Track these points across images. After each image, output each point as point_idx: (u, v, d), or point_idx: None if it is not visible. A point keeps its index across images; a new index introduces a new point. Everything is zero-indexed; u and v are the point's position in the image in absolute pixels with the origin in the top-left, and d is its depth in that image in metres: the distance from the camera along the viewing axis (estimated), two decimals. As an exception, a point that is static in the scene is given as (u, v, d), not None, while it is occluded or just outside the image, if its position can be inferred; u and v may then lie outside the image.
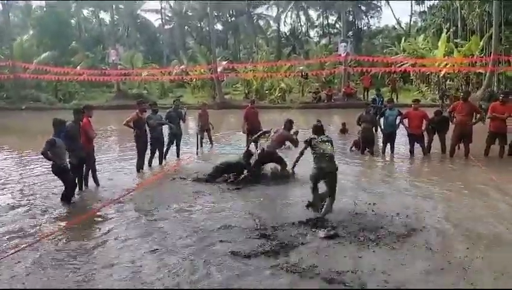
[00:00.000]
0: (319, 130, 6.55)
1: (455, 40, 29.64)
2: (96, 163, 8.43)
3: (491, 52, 25.40)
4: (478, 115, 10.99)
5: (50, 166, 7.11)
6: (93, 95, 33.19)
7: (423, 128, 10.74)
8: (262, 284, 4.12)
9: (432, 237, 5.31)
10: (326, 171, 6.11)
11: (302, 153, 6.68)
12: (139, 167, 9.58)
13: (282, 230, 5.53)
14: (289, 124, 9.16)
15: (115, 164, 10.64)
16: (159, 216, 6.36)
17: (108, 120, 20.60)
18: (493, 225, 5.71)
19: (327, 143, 6.29)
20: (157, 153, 10.18)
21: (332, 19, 50.19)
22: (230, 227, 5.72)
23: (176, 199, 7.23)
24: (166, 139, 10.63)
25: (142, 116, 9.50)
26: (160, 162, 10.33)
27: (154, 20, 51.51)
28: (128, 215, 6.44)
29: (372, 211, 6.27)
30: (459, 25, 32.18)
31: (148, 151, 9.91)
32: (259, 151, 8.63)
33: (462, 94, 11.78)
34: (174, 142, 10.96)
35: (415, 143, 10.81)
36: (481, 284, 4.11)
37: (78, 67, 32.71)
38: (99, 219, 6.35)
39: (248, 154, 8.81)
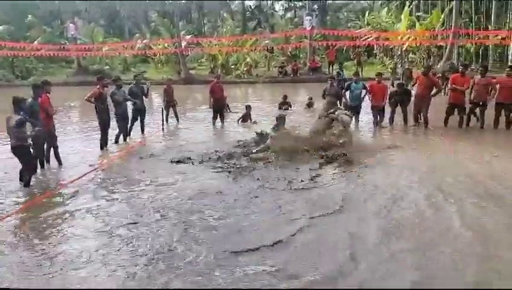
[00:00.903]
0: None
1: (417, 14, 30.10)
2: (57, 140, 8.18)
3: (451, 26, 25.97)
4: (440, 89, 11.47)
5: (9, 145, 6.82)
6: (52, 71, 31.95)
7: (385, 100, 11.09)
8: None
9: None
10: None
11: None
12: (103, 144, 9.37)
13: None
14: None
15: (77, 141, 10.37)
16: (122, 192, 6.28)
17: (69, 96, 19.97)
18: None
19: None
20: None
21: (297, -8, 49.80)
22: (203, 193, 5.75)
23: (141, 175, 7.16)
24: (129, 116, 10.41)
25: (103, 91, 9.24)
26: (125, 139, 10.14)
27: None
28: (91, 194, 6.32)
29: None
30: (420, -1, 32.64)
31: (114, 127, 9.70)
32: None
33: (423, 69, 12.09)
34: (138, 118, 10.75)
35: (378, 114, 11.20)
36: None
37: (36, 42, 31.25)
38: (62, 198, 6.20)
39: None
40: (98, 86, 9.20)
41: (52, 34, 35.45)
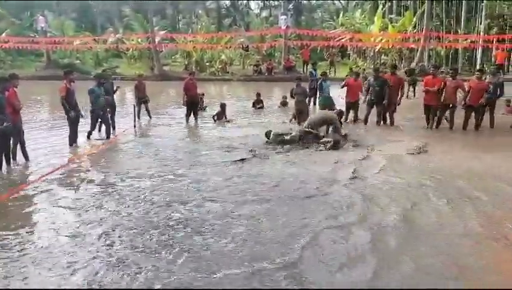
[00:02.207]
0: None
1: (390, 16, 30.66)
2: (24, 136, 7.91)
3: (423, 29, 26.56)
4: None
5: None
6: (20, 64, 30.95)
7: (360, 96, 11.64)
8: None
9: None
10: None
11: None
12: (72, 140, 9.12)
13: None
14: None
15: (45, 137, 10.07)
16: (91, 189, 6.14)
17: (38, 91, 19.42)
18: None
19: None
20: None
21: (273, -9, 49.90)
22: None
23: (109, 170, 7.01)
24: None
25: (71, 87, 8.96)
26: (108, 136, 9.92)
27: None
28: (58, 191, 6.13)
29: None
30: (394, 1, 33.24)
31: (84, 124, 9.49)
32: None
33: (390, 68, 12.46)
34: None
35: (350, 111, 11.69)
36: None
37: (4, 34, 30.30)
38: (28, 196, 6.00)
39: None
40: (65, 82, 8.92)
41: (21, 26, 34.42)
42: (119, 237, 4.55)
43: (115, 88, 10.89)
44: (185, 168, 7.21)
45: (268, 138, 9.10)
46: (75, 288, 3.70)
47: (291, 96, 11.74)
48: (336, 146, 8.52)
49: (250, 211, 5.21)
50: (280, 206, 5.34)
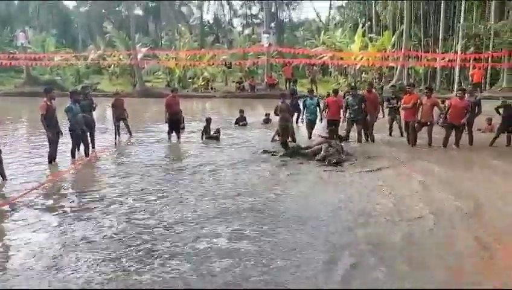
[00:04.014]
0: None
1: (370, 35, 31.31)
2: (1, 153, 7.69)
3: (402, 48, 27.13)
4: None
5: None
6: (0, 80, 30.53)
7: (341, 115, 11.55)
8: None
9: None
10: None
11: None
12: (52, 158, 8.92)
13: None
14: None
15: (24, 154, 9.85)
16: (69, 208, 5.97)
17: (17, 107, 19.08)
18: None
19: None
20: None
21: (255, 9, 50.63)
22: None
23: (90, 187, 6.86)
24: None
25: (51, 104, 8.79)
26: (87, 154, 9.70)
27: (68, 2, 48.20)
28: (36, 210, 5.94)
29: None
30: (373, 21, 34.00)
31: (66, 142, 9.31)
32: None
33: (366, 86, 12.74)
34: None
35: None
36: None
37: (-18, 50, 29.92)
38: (3, 214, 5.79)
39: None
40: (45, 99, 8.74)
41: (1, 42, 34.03)
42: (93, 259, 4.40)
43: (94, 105, 10.70)
44: (161, 190, 7.09)
45: (286, 149, 9.64)
46: (75, 288, 3.61)
47: (276, 113, 11.59)
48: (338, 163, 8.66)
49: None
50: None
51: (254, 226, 5.26)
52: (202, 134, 12.12)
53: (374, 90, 12.22)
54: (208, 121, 12.36)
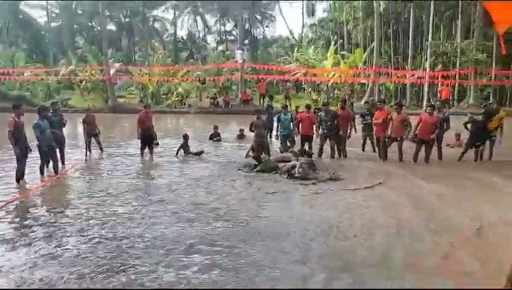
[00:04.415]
0: None
1: (342, 52, 31.95)
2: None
3: (372, 65, 27.77)
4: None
5: None
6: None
7: (314, 130, 11.71)
8: None
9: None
10: None
11: None
12: (19, 176, 8.62)
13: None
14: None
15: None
16: (34, 228, 5.76)
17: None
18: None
19: None
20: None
21: (229, 25, 51.03)
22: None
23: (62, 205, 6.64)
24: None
25: (20, 120, 8.53)
26: (56, 171, 9.42)
27: (39, 17, 47.25)
28: (5, 227, 5.73)
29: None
30: (345, 38, 34.75)
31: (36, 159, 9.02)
32: None
33: (340, 103, 12.94)
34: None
35: (306, 143, 11.75)
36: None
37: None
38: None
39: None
40: (13, 115, 8.48)
41: (-31, 57, 33.15)
42: (58, 277, 4.25)
43: (64, 121, 10.46)
44: (132, 207, 6.95)
45: (259, 163, 9.56)
46: (75, 288, 3.57)
47: (251, 129, 11.54)
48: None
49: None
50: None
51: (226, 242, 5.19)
52: (178, 150, 11.98)
53: (346, 106, 12.34)
54: (185, 137, 12.22)
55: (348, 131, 11.58)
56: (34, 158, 9.19)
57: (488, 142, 11.15)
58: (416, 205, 6.91)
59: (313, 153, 11.13)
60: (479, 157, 11.12)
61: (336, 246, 5.14)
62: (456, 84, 26.63)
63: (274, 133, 13.41)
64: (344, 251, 4.97)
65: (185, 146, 12.01)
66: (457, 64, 26.13)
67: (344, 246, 5.15)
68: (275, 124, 12.60)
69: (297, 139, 12.00)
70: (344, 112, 11.74)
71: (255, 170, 9.49)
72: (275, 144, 12.94)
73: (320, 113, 12.16)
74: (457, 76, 26.09)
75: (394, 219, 6.15)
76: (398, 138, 10.87)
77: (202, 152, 11.93)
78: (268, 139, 13.06)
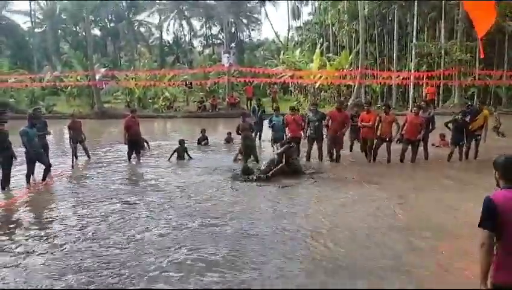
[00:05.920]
0: None
1: (328, 55, 32.13)
2: None
3: (358, 66, 27.97)
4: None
5: None
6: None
7: (300, 132, 11.42)
8: None
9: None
10: None
11: None
12: (4, 183, 8.48)
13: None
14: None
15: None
16: (19, 237, 5.68)
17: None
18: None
19: None
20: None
21: (215, 29, 51.03)
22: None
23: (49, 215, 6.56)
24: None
25: (3, 127, 8.39)
26: (28, 180, 9.25)
27: (23, 22, 46.62)
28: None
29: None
30: (331, 41, 34.96)
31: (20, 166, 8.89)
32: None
33: (336, 104, 12.77)
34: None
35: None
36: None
37: None
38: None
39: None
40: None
41: (-50, 63, 32.58)
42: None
43: (48, 131, 10.34)
44: (120, 212, 6.89)
45: (248, 174, 9.31)
46: (75, 288, 3.58)
47: (238, 132, 11.43)
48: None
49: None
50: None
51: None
52: (171, 155, 11.92)
53: (342, 109, 11.65)
54: (181, 143, 12.15)
55: (343, 130, 11.22)
56: (18, 166, 9.07)
57: (473, 142, 11.27)
58: (403, 206, 6.98)
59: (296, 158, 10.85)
60: (464, 156, 11.25)
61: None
62: (441, 85, 26.96)
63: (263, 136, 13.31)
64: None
65: (179, 151, 11.96)
66: (442, 64, 26.48)
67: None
68: (268, 126, 12.10)
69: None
70: (341, 114, 11.26)
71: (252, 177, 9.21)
72: (266, 148, 12.86)
73: (307, 113, 11.96)
74: (441, 76, 26.43)
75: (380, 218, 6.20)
76: (387, 139, 10.95)
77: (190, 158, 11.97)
78: (257, 142, 13.06)
